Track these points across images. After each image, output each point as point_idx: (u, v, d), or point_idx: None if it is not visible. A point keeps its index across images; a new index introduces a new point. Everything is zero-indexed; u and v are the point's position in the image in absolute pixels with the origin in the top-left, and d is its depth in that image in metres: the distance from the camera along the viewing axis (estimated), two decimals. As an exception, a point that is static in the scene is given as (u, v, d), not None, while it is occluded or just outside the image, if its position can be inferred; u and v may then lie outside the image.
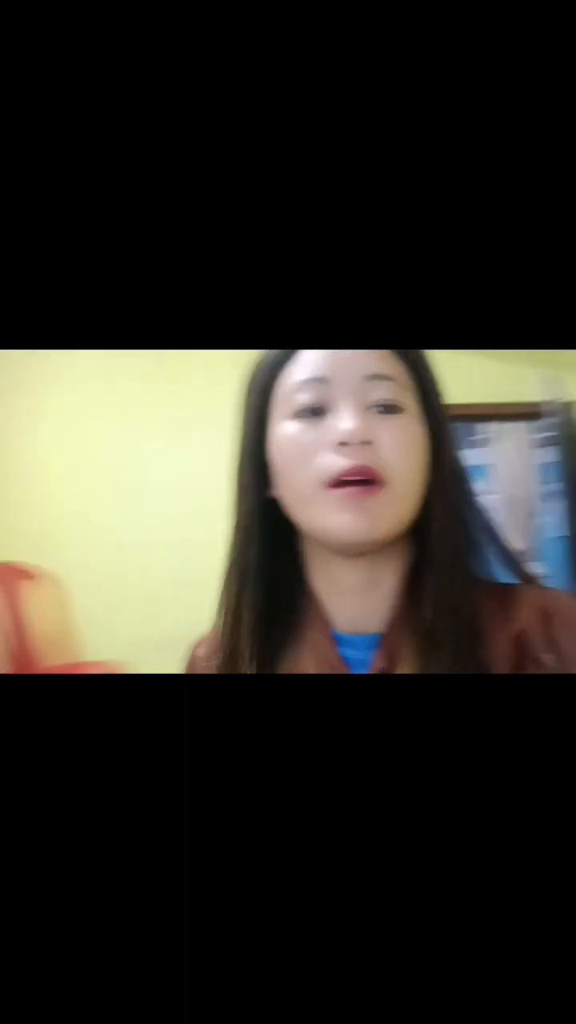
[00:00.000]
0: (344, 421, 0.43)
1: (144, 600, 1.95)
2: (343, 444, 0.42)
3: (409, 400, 0.45)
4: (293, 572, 0.50)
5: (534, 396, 2.12)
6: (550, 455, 2.11)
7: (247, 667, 0.46)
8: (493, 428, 2.13)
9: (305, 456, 0.44)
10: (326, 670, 0.46)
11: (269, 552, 0.48)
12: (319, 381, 0.44)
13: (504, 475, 2.25)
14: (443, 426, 0.47)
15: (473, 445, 2.18)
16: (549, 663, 0.43)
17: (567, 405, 2.18)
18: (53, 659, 2.17)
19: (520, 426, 2.15)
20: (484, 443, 2.31)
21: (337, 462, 0.42)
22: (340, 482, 0.42)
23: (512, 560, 0.50)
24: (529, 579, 0.50)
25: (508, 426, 2.18)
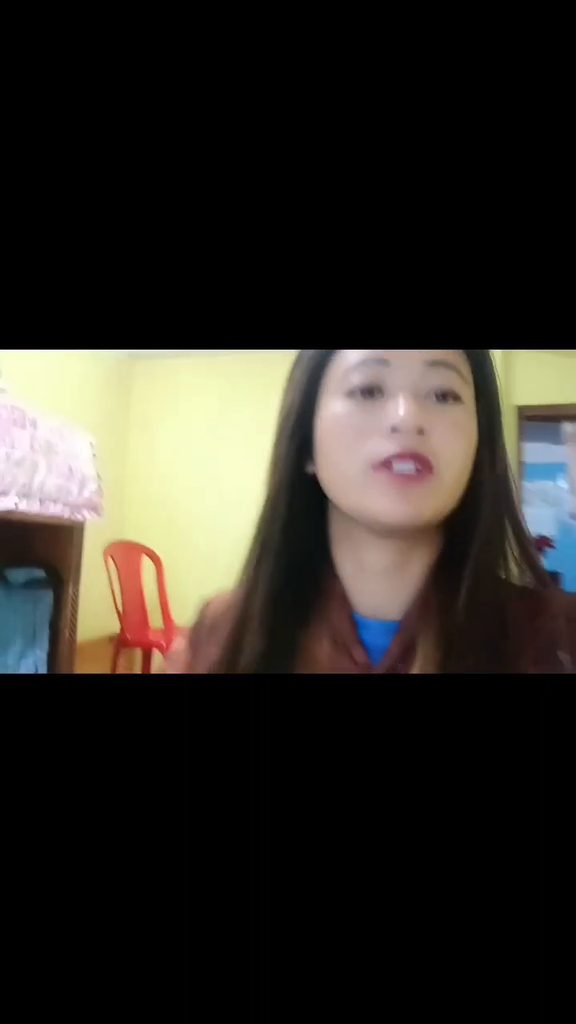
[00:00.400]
0: (400, 407, 0.42)
1: (225, 578, 2.38)
2: (395, 430, 0.42)
3: (467, 392, 0.44)
4: (318, 551, 0.49)
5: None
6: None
7: (254, 637, 0.46)
8: (570, 428, 2.28)
9: (355, 435, 0.43)
10: (343, 652, 0.46)
11: (296, 528, 0.48)
12: (379, 362, 0.43)
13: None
14: (496, 424, 0.47)
15: (552, 442, 2.34)
16: (567, 664, 0.42)
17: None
18: (153, 620, 2.60)
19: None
20: (563, 441, 2.48)
21: (388, 446, 0.42)
22: (388, 464, 0.42)
23: (536, 566, 0.50)
24: (550, 585, 0.50)
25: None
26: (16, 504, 1.34)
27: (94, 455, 1.66)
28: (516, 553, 0.48)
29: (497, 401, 0.48)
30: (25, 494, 1.38)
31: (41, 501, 1.43)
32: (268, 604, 0.46)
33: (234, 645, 0.47)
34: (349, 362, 0.44)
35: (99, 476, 1.67)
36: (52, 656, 1.56)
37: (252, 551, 0.48)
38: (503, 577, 0.47)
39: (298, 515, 0.48)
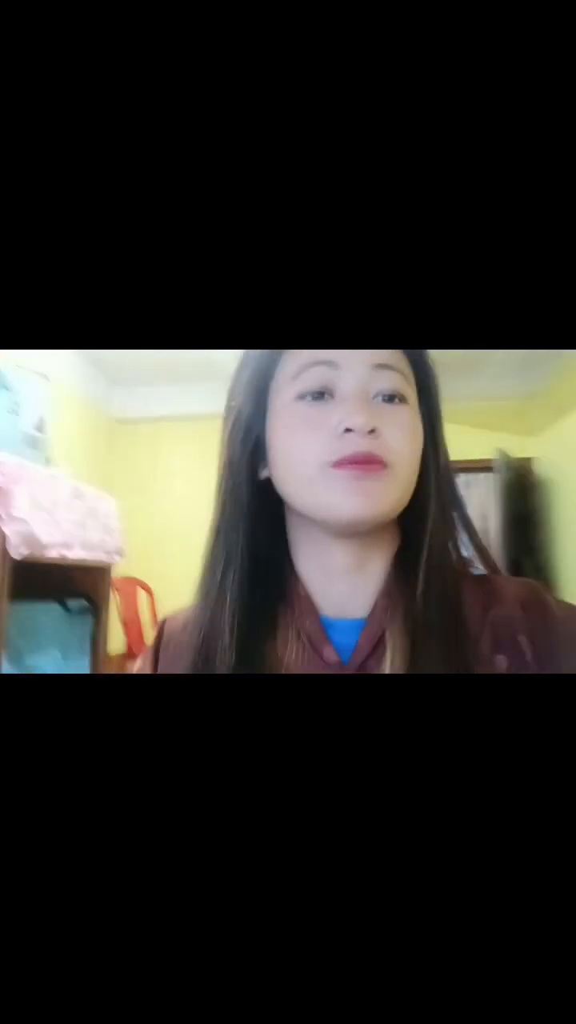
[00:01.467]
0: (352, 410, 0.42)
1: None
2: (349, 431, 0.42)
3: (411, 394, 0.46)
4: (280, 555, 0.49)
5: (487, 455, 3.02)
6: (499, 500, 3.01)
7: (226, 650, 0.45)
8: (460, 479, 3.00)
9: (310, 436, 0.43)
10: (314, 654, 0.45)
11: (255, 534, 0.47)
12: (327, 364, 0.44)
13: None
14: (437, 422, 0.49)
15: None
16: (524, 647, 0.43)
17: (512, 461, 3.09)
18: (147, 637, 3.21)
19: (479, 477, 3.05)
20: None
21: (343, 446, 0.42)
22: (343, 464, 0.42)
23: (484, 552, 0.52)
24: (499, 572, 0.52)
25: (470, 477, 3.08)
26: (77, 554, 1.93)
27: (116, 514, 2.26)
28: (466, 542, 0.49)
29: (437, 400, 0.49)
30: (81, 545, 1.96)
31: (89, 549, 2.02)
32: (236, 614, 0.45)
33: (204, 658, 0.46)
34: (297, 365, 0.45)
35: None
36: (92, 663, 2.13)
37: (212, 562, 0.47)
38: (456, 567, 0.48)
39: (256, 521, 0.47)
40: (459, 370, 2.73)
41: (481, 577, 0.50)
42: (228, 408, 0.50)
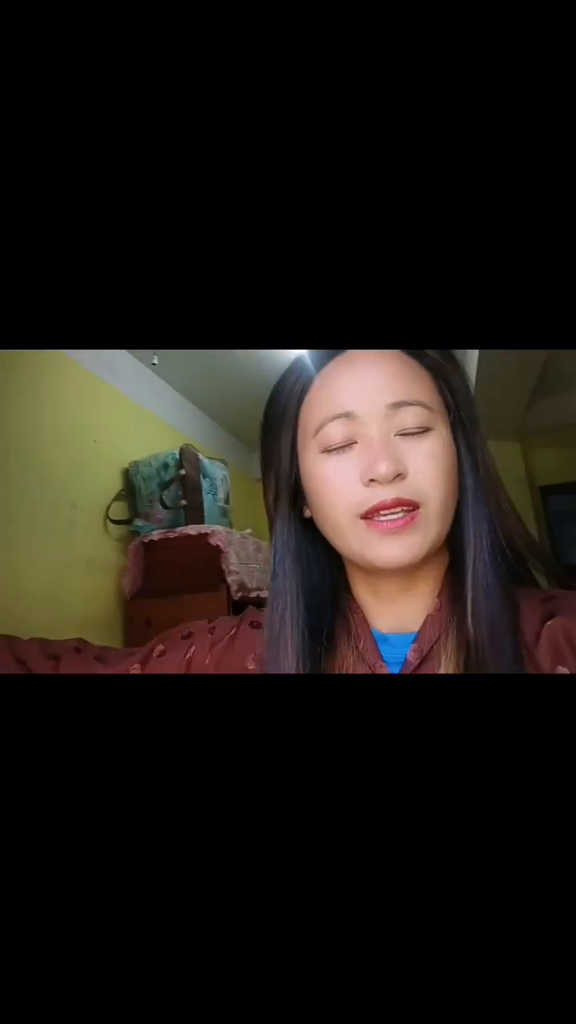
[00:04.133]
0: (375, 460, 0.42)
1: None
2: (374, 482, 0.42)
3: (435, 419, 0.45)
4: (337, 577, 0.51)
5: None
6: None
7: (290, 659, 0.46)
8: None
9: (339, 489, 0.44)
10: (366, 669, 0.47)
11: (310, 567, 0.50)
12: (345, 416, 0.44)
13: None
14: (474, 438, 0.47)
15: None
16: None
17: None
18: None
19: None
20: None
21: (371, 497, 0.43)
22: (374, 514, 0.43)
23: (549, 563, 0.50)
24: (566, 582, 0.49)
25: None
26: (264, 594, 1.94)
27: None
28: (519, 551, 0.48)
29: (470, 416, 0.47)
30: (265, 587, 1.97)
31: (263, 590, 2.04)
32: (300, 651, 0.46)
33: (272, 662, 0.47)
34: (316, 421, 0.45)
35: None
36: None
37: (275, 603, 0.49)
38: (506, 582, 0.46)
39: (309, 554, 0.50)
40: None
41: (542, 591, 0.48)
42: (262, 458, 0.51)
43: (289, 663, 0.46)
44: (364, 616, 0.50)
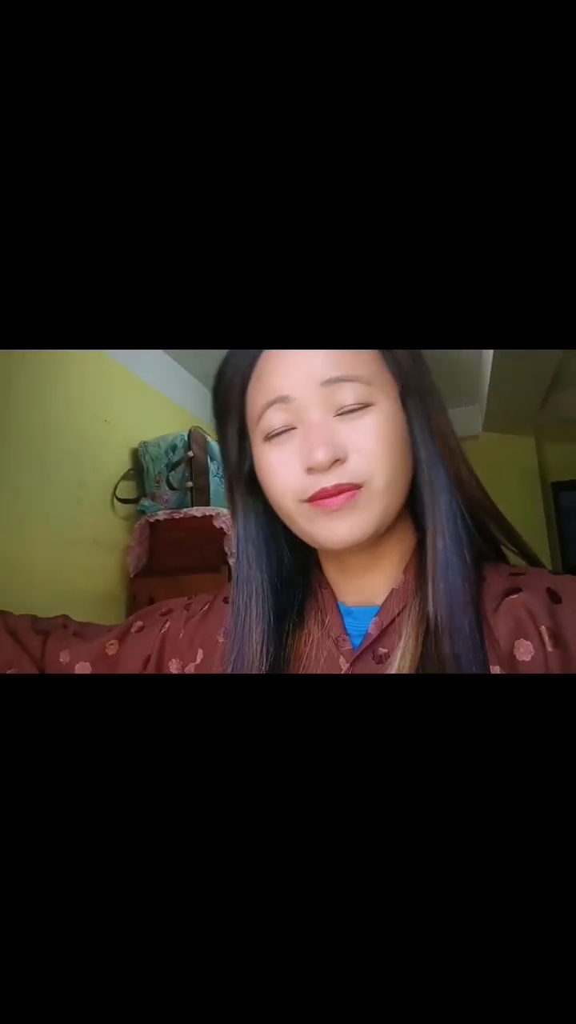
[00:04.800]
0: (312, 448, 0.42)
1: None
2: (312, 471, 0.42)
3: (378, 394, 0.43)
4: (308, 561, 0.52)
5: None
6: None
7: (257, 632, 0.47)
8: None
9: (282, 477, 0.44)
10: (328, 641, 0.48)
11: (277, 556, 0.51)
12: (281, 401, 0.44)
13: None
14: (433, 409, 0.46)
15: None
16: (545, 638, 0.41)
17: None
18: None
19: None
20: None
21: (312, 483, 0.43)
22: (315, 499, 0.43)
23: (514, 537, 0.49)
24: (534, 559, 0.49)
25: None
26: None
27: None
28: (482, 522, 0.47)
29: (425, 387, 0.46)
30: None
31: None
32: (265, 633, 0.47)
33: (239, 645, 0.48)
34: (257, 409, 0.45)
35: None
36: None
37: (239, 588, 0.50)
38: (469, 557, 0.45)
39: (271, 538, 0.51)
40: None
41: (513, 567, 0.48)
42: (220, 448, 0.52)
43: (253, 650, 0.47)
44: (332, 592, 0.51)
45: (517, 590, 0.44)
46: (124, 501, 1.74)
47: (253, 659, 0.47)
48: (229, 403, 0.49)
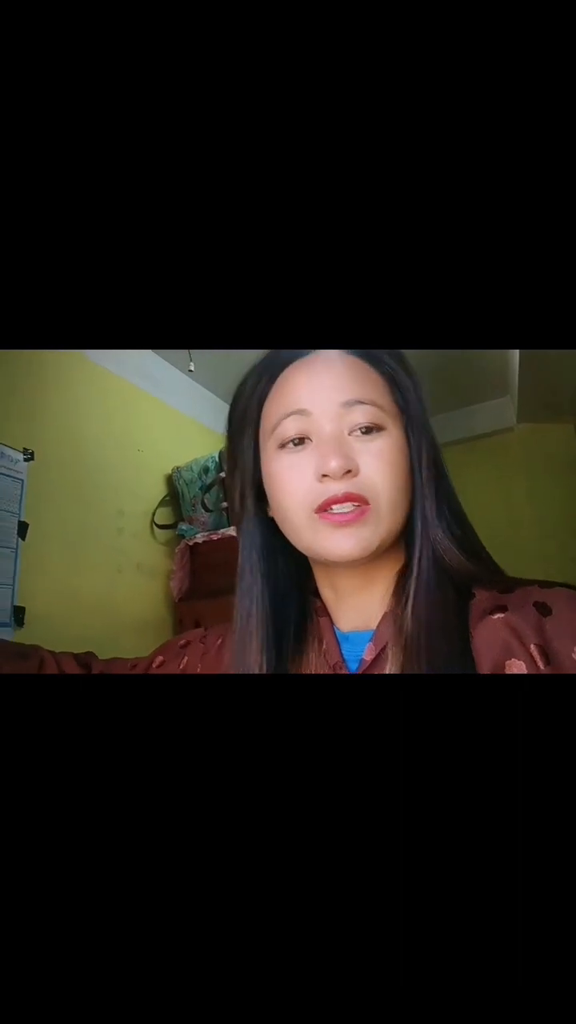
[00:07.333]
0: (326, 456, 0.44)
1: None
2: (326, 477, 0.44)
3: (389, 420, 0.46)
4: (303, 586, 0.53)
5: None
6: None
7: (257, 656, 0.48)
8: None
9: (294, 485, 0.45)
10: (326, 666, 0.48)
11: (276, 565, 0.51)
12: (300, 413, 0.45)
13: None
14: (425, 440, 0.48)
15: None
16: (537, 658, 0.40)
17: None
18: None
19: None
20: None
21: (323, 492, 0.44)
22: (326, 508, 0.44)
23: (485, 562, 0.49)
24: (511, 587, 0.47)
25: None
26: None
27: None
28: (463, 553, 0.47)
29: (422, 419, 0.49)
30: None
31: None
32: (265, 645, 0.48)
33: (240, 658, 0.48)
34: (274, 418, 0.47)
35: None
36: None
37: (239, 597, 0.51)
38: (451, 579, 0.46)
39: (275, 552, 0.51)
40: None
41: (503, 584, 0.47)
42: (227, 455, 0.52)
43: (253, 657, 0.48)
44: (329, 619, 0.51)
45: (502, 609, 0.44)
46: (163, 527, 1.77)
47: (253, 666, 0.48)
48: (248, 414, 0.50)
